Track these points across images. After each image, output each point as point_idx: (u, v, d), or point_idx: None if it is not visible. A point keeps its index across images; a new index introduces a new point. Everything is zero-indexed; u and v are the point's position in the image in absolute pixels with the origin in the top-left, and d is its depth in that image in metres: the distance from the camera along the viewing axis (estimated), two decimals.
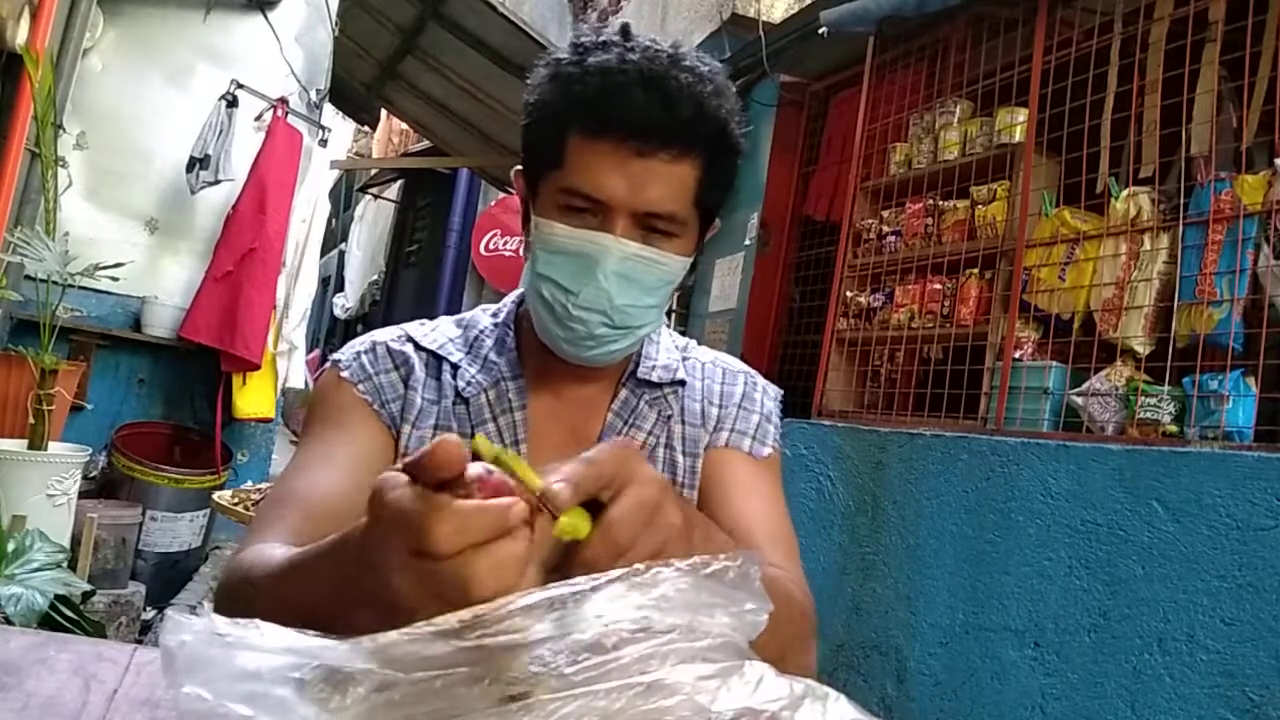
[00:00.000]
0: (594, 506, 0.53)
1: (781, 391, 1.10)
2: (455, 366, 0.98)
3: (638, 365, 1.00)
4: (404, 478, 0.48)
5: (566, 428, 0.98)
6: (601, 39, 0.87)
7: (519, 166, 0.95)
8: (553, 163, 0.87)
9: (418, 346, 0.99)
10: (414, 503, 0.46)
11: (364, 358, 0.98)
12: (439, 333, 1.01)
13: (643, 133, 0.83)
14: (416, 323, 1.04)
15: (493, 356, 0.98)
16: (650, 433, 0.98)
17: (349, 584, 0.52)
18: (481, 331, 1.01)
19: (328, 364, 1.00)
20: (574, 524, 0.52)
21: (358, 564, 0.51)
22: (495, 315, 1.04)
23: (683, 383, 1.01)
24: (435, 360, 0.98)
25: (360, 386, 0.95)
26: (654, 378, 1.00)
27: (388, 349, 0.98)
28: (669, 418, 1.00)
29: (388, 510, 0.48)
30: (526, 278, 0.93)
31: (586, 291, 0.87)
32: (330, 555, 0.57)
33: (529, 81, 0.91)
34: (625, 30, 0.88)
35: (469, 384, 0.96)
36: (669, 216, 0.86)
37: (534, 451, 0.95)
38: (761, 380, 1.08)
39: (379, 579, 0.48)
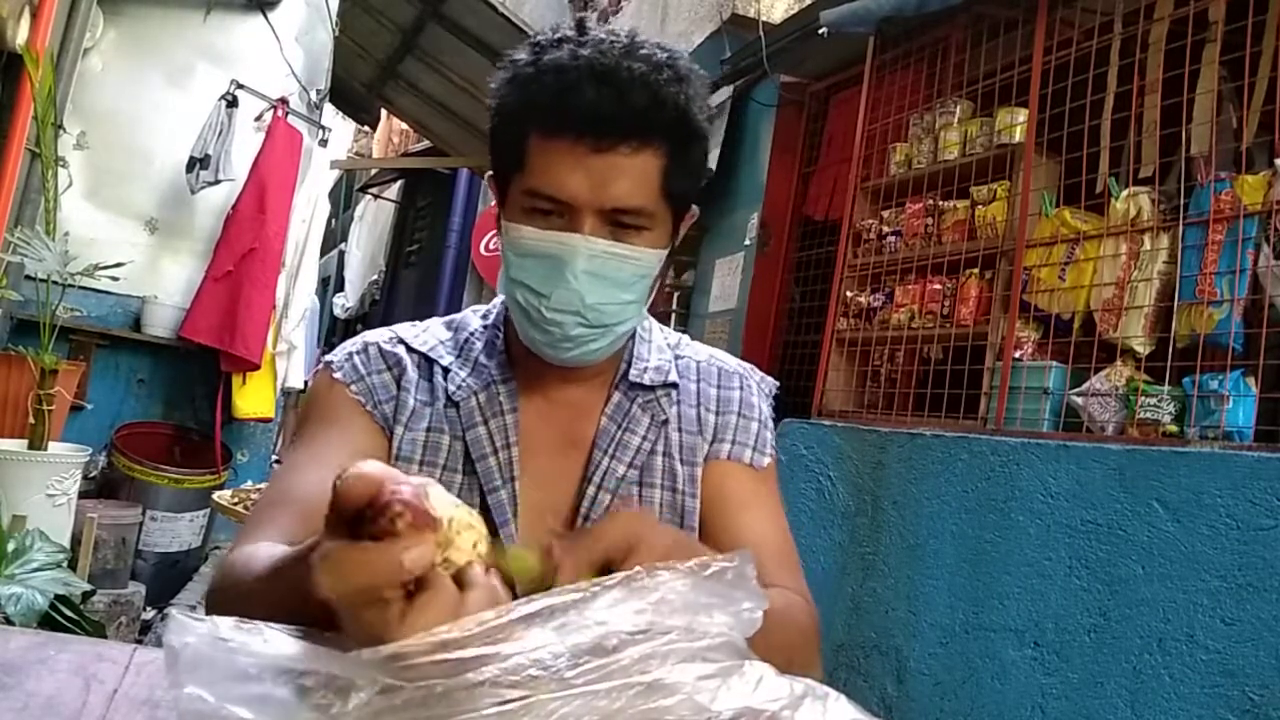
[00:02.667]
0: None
1: (777, 384, 1.09)
2: (446, 369, 0.97)
3: (629, 367, 0.99)
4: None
5: (558, 431, 0.97)
6: (557, 36, 0.86)
7: (490, 171, 0.94)
8: (515, 165, 0.87)
9: (409, 348, 0.99)
10: (324, 554, 0.45)
11: (356, 359, 0.97)
12: (429, 335, 1.01)
13: (598, 127, 0.81)
14: (407, 324, 1.03)
15: (483, 359, 0.98)
16: (644, 437, 0.97)
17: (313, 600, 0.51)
18: (471, 334, 1.01)
19: (320, 365, 1.00)
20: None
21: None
22: (485, 317, 1.03)
23: (675, 385, 1.00)
24: (426, 362, 0.98)
25: (353, 387, 0.95)
26: (646, 380, 0.99)
27: (380, 350, 0.98)
28: (664, 423, 0.98)
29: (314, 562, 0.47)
30: (502, 282, 0.93)
31: (558, 293, 0.86)
32: (298, 561, 0.57)
33: (491, 85, 0.90)
34: (580, 25, 0.87)
35: (459, 387, 0.96)
36: (636, 210, 0.85)
37: (525, 455, 0.94)
38: (756, 377, 1.07)
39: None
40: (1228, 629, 1.99)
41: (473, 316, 1.04)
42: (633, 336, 1.00)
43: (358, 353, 0.98)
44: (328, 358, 0.99)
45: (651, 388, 0.99)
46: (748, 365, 1.08)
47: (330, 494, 0.46)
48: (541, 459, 0.95)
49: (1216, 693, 1.98)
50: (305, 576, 0.47)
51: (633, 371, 0.99)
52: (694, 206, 0.94)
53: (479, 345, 0.99)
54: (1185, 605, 2.08)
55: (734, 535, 0.95)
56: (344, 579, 0.44)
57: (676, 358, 1.03)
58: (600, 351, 0.92)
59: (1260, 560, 1.96)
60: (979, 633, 2.56)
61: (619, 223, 0.86)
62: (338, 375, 0.96)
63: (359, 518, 0.45)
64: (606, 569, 0.55)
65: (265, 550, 0.70)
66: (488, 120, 0.91)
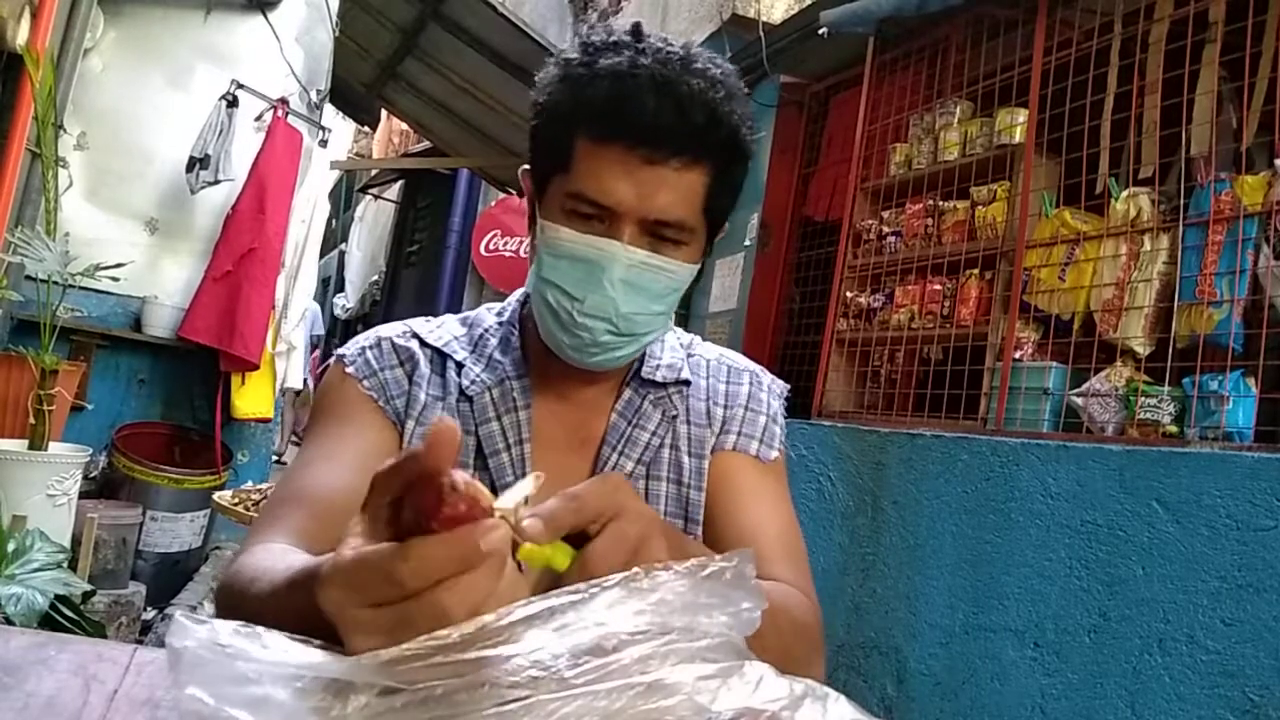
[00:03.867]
0: (585, 539, 0.55)
1: (788, 387, 1.10)
2: (460, 364, 0.97)
3: (642, 364, 1.00)
4: (353, 540, 0.46)
5: (570, 428, 0.97)
6: (612, 39, 0.85)
7: (525, 166, 0.93)
8: (560, 166, 0.86)
9: (423, 343, 0.99)
10: (371, 553, 0.44)
11: (369, 353, 0.97)
12: (444, 330, 1.01)
13: (653, 140, 0.81)
14: (421, 319, 1.03)
15: (497, 355, 0.98)
16: (654, 433, 0.97)
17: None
18: (486, 330, 1.01)
19: (332, 359, 1.00)
20: (544, 554, 0.52)
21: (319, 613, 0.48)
22: (500, 314, 1.03)
23: (687, 382, 1.00)
24: (440, 357, 0.98)
25: (365, 382, 0.95)
26: (658, 377, 0.99)
27: (393, 344, 0.98)
28: (674, 418, 0.99)
29: (345, 564, 0.45)
30: (531, 280, 0.92)
31: (592, 298, 0.86)
32: (300, 590, 0.55)
33: (538, 81, 0.89)
34: (636, 30, 0.86)
35: (473, 383, 0.96)
36: (678, 224, 0.85)
37: (538, 451, 0.95)
38: (767, 378, 1.07)
39: (343, 635, 0.46)
40: (1228, 629, 1.99)
41: (487, 314, 1.04)
42: None
43: (370, 347, 0.98)
44: (340, 351, 0.99)
45: (664, 384, 0.99)
46: (758, 366, 1.09)
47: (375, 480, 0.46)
48: (552, 455, 0.96)
49: (1216, 693, 1.98)
50: (315, 595, 0.46)
51: (645, 368, 0.99)
52: (725, 223, 0.95)
53: (494, 342, 0.99)
54: (1185, 606, 2.08)
55: (737, 526, 0.95)
56: (424, 575, 0.43)
57: (688, 356, 1.04)
58: (623, 359, 0.93)
59: (1260, 560, 1.96)
60: (979, 633, 2.56)
61: (659, 235, 0.85)
62: (350, 370, 0.96)
63: (415, 508, 0.44)
64: (583, 536, 0.55)
65: (279, 558, 0.70)
66: (531, 115, 0.90)
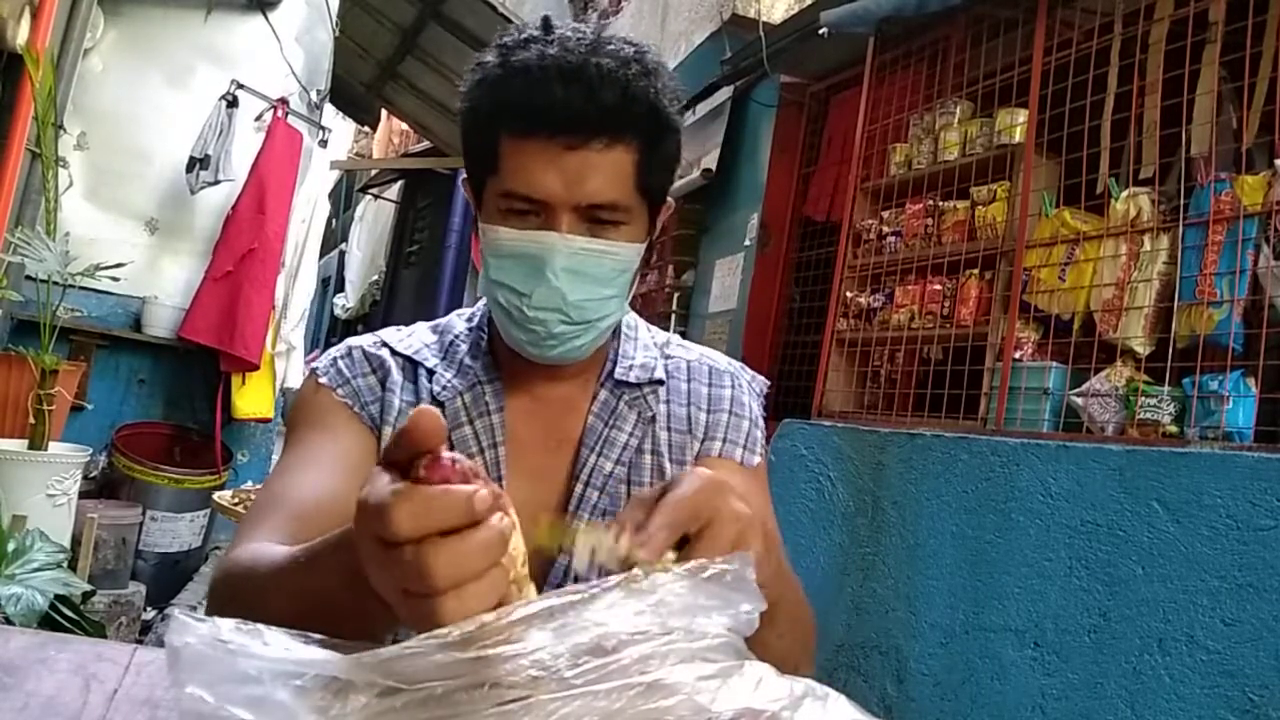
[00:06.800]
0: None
1: (767, 383, 1.10)
2: (430, 371, 0.98)
3: (615, 365, 1.00)
4: (383, 473, 0.48)
5: (545, 429, 0.97)
6: (524, 36, 0.86)
7: (464, 175, 0.95)
8: (490, 168, 0.87)
9: (393, 351, 0.99)
10: (379, 488, 0.46)
11: (340, 363, 0.98)
12: (414, 339, 1.02)
13: (570, 126, 0.82)
14: (393, 329, 1.04)
15: (468, 360, 0.98)
16: (630, 434, 0.97)
17: (356, 574, 0.52)
18: (456, 336, 1.01)
19: (307, 372, 1.01)
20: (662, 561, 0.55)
21: (355, 554, 0.51)
22: (469, 320, 1.04)
23: (661, 382, 1.00)
24: (411, 365, 0.99)
25: (339, 391, 0.96)
26: (632, 378, 0.99)
27: (364, 353, 0.99)
28: (650, 419, 0.99)
29: (360, 498, 0.48)
30: (482, 285, 0.93)
31: (539, 292, 0.87)
32: (338, 546, 0.57)
33: (461, 88, 0.90)
34: (546, 23, 0.87)
35: (444, 388, 0.96)
36: (611, 206, 0.86)
37: (513, 454, 0.95)
38: (746, 376, 1.07)
39: (365, 569, 0.49)
40: (1228, 629, 1.99)
41: (457, 320, 1.05)
42: (617, 334, 1.01)
43: (342, 357, 0.99)
44: (313, 364, 1.00)
45: (638, 385, 0.99)
46: (738, 364, 1.09)
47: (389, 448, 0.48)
48: (529, 457, 0.96)
49: (1216, 693, 1.98)
50: (344, 563, 0.50)
51: (618, 369, 0.99)
52: (669, 199, 0.95)
53: (464, 347, 1.00)
54: (1185, 605, 2.08)
55: None
56: (423, 514, 0.45)
57: (666, 357, 1.04)
58: (584, 348, 0.93)
59: (1260, 560, 1.96)
60: (979, 633, 2.56)
61: (596, 219, 0.86)
62: (323, 380, 0.97)
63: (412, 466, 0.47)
64: (683, 541, 0.57)
65: (280, 547, 0.70)
66: (459, 124, 0.91)
